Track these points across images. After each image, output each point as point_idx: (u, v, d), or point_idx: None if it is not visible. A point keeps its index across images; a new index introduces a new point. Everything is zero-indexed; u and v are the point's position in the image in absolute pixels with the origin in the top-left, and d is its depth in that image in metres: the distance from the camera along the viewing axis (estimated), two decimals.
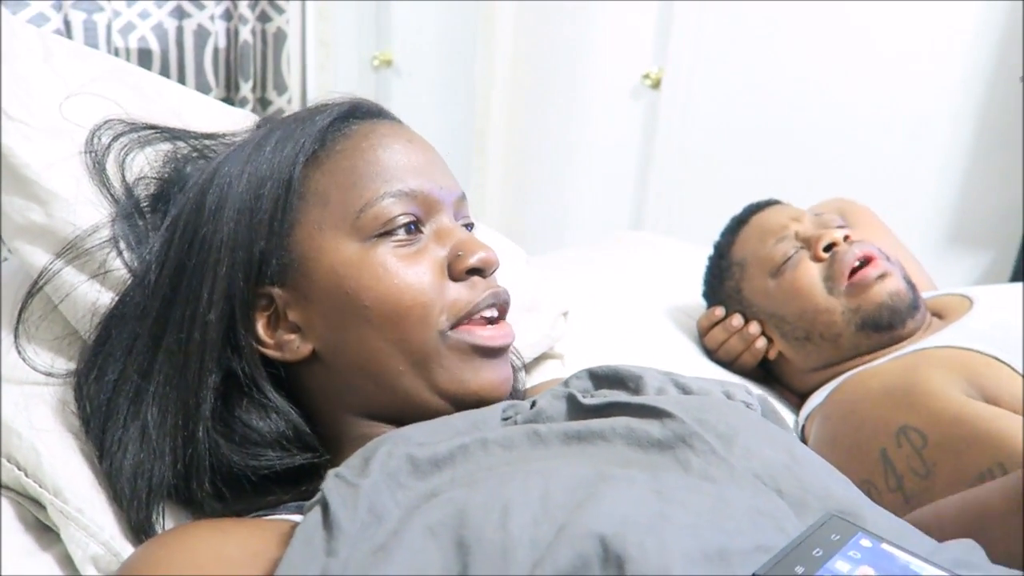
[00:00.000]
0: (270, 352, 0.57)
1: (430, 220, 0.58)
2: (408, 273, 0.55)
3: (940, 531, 0.50)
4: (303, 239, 0.56)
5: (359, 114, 0.61)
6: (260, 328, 0.57)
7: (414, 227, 0.57)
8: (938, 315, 0.99)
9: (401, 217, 0.56)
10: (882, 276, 0.92)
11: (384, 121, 0.61)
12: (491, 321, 0.58)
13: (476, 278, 0.58)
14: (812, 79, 1.91)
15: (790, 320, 0.98)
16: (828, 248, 0.96)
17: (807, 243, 0.98)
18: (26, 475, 0.60)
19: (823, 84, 1.90)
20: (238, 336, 0.55)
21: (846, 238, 0.96)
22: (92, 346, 0.59)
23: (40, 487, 0.59)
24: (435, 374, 0.55)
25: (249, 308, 0.56)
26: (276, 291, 0.56)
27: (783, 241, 0.99)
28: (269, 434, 0.56)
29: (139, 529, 0.55)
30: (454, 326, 0.56)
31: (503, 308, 0.59)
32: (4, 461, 0.61)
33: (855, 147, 1.88)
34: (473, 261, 0.57)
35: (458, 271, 0.57)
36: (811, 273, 0.95)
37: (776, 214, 1.04)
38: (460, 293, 0.56)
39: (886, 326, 0.92)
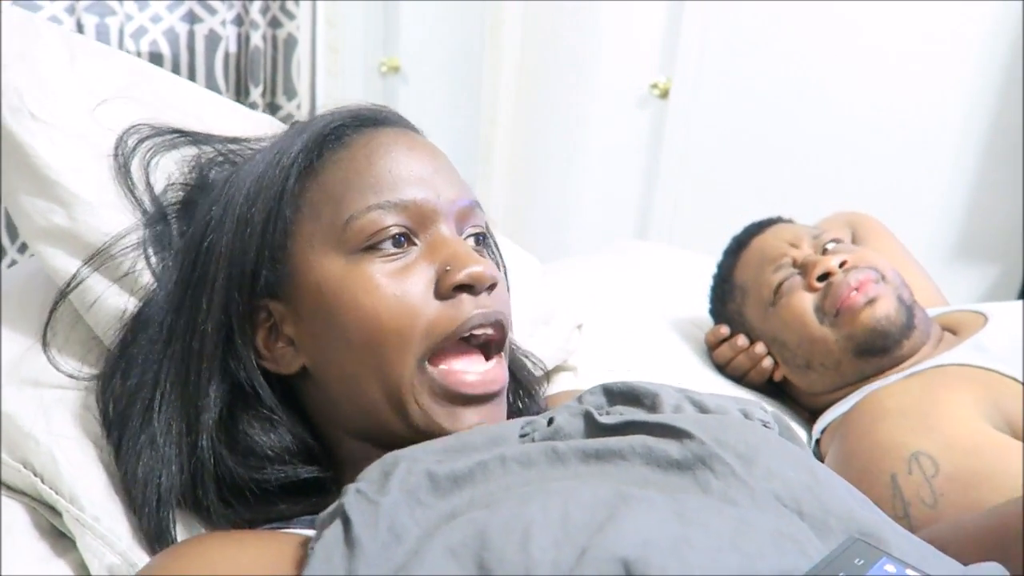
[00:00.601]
0: (267, 364, 0.57)
1: (424, 232, 0.55)
2: (390, 291, 0.51)
3: (959, 547, 0.50)
4: (296, 253, 0.55)
5: (360, 122, 0.58)
6: (259, 340, 0.57)
7: (404, 239, 0.53)
8: (951, 331, 0.99)
9: (390, 229, 0.53)
10: (871, 301, 0.91)
11: (387, 128, 0.58)
12: (483, 347, 0.55)
13: (464, 295, 0.53)
14: (820, 91, 1.91)
15: (790, 348, 0.98)
16: (823, 278, 0.95)
17: (803, 269, 0.97)
18: (42, 481, 0.60)
19: (831, 96, 1.90)
20: (237, 347, 0.56)
21: (843, 264, 0.94)
22: (115, 351, 0.59)
23: (56, 494, 0.59)
24: (409, 411, 0.52)
25: (249, 320, 0.56)
26: (273, 304, 0.56)
27: (780, 270, 0.98)
28: (271, 447, 0.56)
29: (152, 536, 0.56)
30: (434, 354, 0.52)
31: (498, 329, 0.55)
32: (20, 467, 0.61)
33: (862, 159, 1.88)
34: (461, 276, 0.52)
35: (444, 287, 0.52)
36: (804, 303, 0.95)
37: (774, 238, 1.03)
38: (442, 312, 0.52)
39: (880, 350, 0.91)
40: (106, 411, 0.59)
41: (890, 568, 0.38)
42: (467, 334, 0.53)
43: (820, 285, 0.94)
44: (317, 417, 0.58)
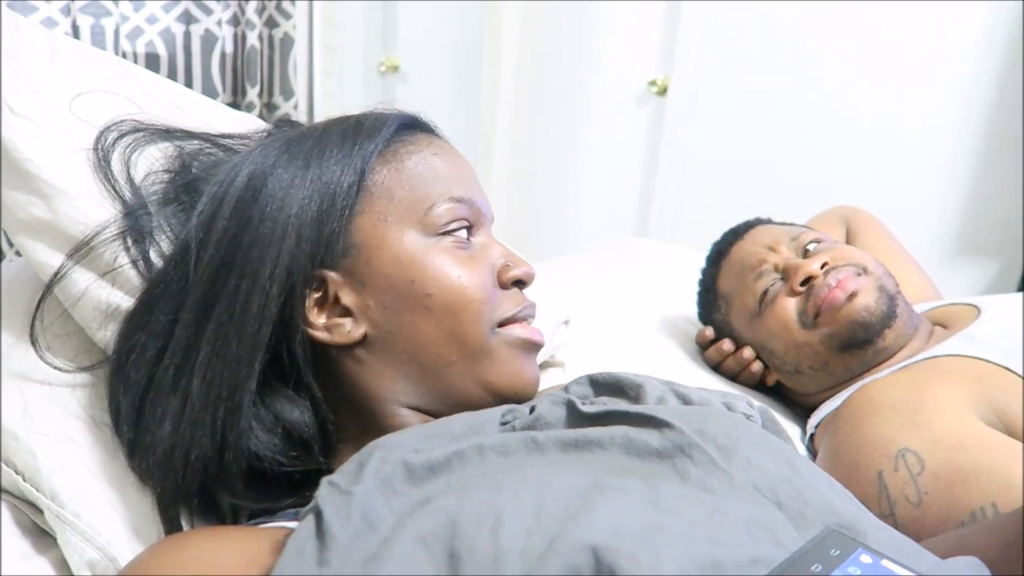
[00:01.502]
0: (318, 334, 0.57)
1: (478, 231, 0.62)
2: (469, 271, 0.58)
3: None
4: (365, 227, 0.58)
5: (418, 125, 0.65)
6: (310, 310, 0.57)
7: (467, 232, 0.61)
8: (943, 325, 0.98)
9: (462, 221, 0.60)
10: (851, 296, 0.90)
11: (436, 137, 0.65)
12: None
13: (517, 289, 0.62)
14: (819, 87, 1.90)
15: (778, 355, 0.97)
16: (805, 282, 0.93)
17: (785, 274, 0.96)
18: (23, 479, 0.60)
19: (830, 92, 1.89)
20: (291, 315, 0.56)
21: (824, 265, 0.93)
22: (129, 327, 0.59)
23: (37, 491, 0.59)
24: (484, 366, 0.58)
25: (303, 289, 0.56)
26: (330, 274, 0.57)
27: (761, 277, 0.97)
28: (295, 427, 0.56)
29: (166, 502, 0.55)
30: (500, 326, 0.60)
31: (530, 321, 0.64)
32: (2, 465, 0.61)
33: (861, 155, 1.87)
34: (518, 273, 0.62)
35: (506, 280, 0.61)
36: (787, 309, 0.94)
37: (752, 244, 1.02)
38: (506, 300, 0.61)
39: (862, 342, 0.90)
40: (119, 387, 0.58)
41: (866, 559, 0.38)
42: (522, 319, 0.62)
43: (802, 289, 0.93)
44: (355, 390, 0.58)
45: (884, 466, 0.75)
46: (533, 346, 0.61)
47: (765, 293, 0.96)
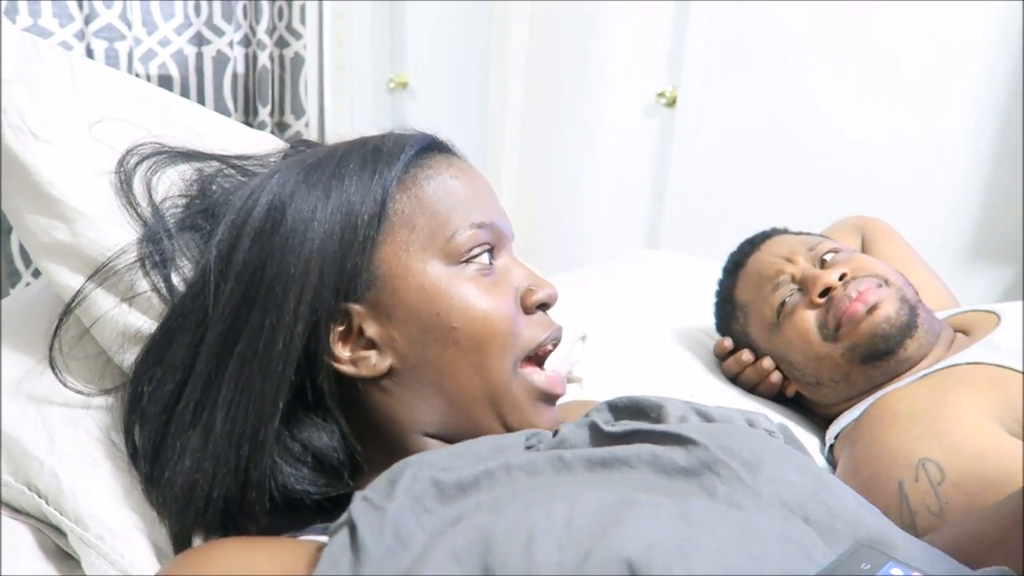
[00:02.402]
0: (344, 367, 0.56)
1: (500, 253, 0.61)
2: (494, 300, 0.57)
3: (962, 549, 0.49)
4: (388, 258, 0.57)
5: (436, 146, 0.63)
6: (334, 343, 0.57)
7: (489, 256, 0.60)
8: (963, 332, 0.97)
9: (484, 246, 0.59)
10: (872, 308, 0.89)
11: (453, 156, 0.64)
12: (539, 358, 0.61)
13: (541, 313, 0.62)
14: (828, 95, 1.90)
15: (798, 367, 0.96)
16: (824, 293, 0.93)
17: (804, 285, 0.95)
18: (47, 503, 0.60)
19: (839, 100, 1.89)
20: (315, 349, 0.55)
21: (842, 277, 0.93)
22: (148, 357, 0.58)
23: (61, 515, 0.59)
24: (504, 408, 0.58)
25: (327, 323, 0.56)
26: (355, 307, 0.57)
27: (779, 288, 0.97)
28: (325, 456, 0.56)
29: (180, 537, 0.55)
30: (523, 361, 0.59)
31: (557, 345, 0.63)
32: (25, 489, 0.61)
33: (873, 162, 1.87)
34: (542, 296, 0.61)
35: (530, 304, 0.60)
36: (807, 322, 0.93)
37: (769, 255, 1.01)
38: (531, 327, 0.60)
39: (884, 353, 0.89)
40: (136, 419, 0.58)
41: (896, 572, 0.37)
42: (549, 347, 0.61)
43: (822, 301, 0.93)
44: (381, 420, 0.58)
45: (904, 476, 0.74)
46: (551, 397, 0.61)
47: (783, 305, 0.96)
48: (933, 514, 0.71)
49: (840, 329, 0.90)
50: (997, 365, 0.82)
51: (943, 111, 1.77)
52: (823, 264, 0.97)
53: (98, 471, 0.60)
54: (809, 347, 0.93)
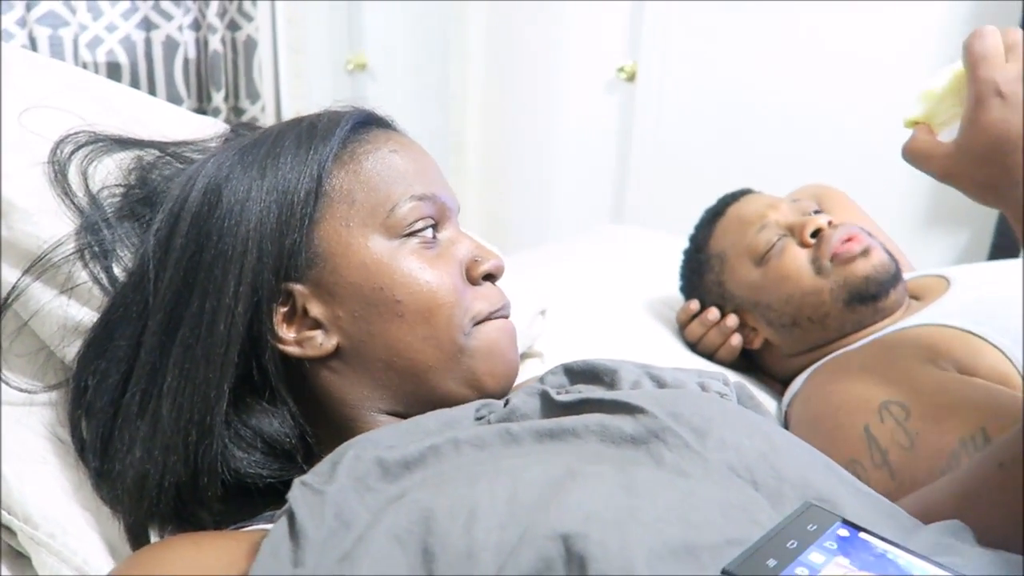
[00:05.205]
0: (289, 348, 0.56)
1: (444, 226, 0.61)
2: (438, 272, 0.57)
3: (928, 520, 0.50)
4: (328, 235, 0.56)
5: (374, 121, 0.63)
6: (279, 324, 0.56)
7: (433, 230, 0.59)
8: (916, 297, 0.99)
9: (427, 219, 0.58)
10: (866, 251, 0.93)
11: (393, 131, 0.63)
12: None
13: (489, 284, 0.61)
14: (785, 66, 1.91)
15: (776, 307, 0.98)
16: (815, 234, 0.96)
17: (791, 230, 0.98)
18: None
19: (796, 71, 1.90)
20: (259, 332, 0.55)
21: (829, 223, 0.97)
22: (90, 350, 0.57)
23: (9, 514, 0.58)
24: (464, 363, 0.57)
25: (269, 304, 0.55)
26: (297, 287, 0.56)
27: (764, 229, 0.99)
28: (276, 440, 0.55)
29: (134, 529, 0.55)
30: (475, 325, 0.59)
31: (506, 317, 0.63)
32: None
33: (830, 131, 1.88)
34: (488, 267, 0.60)
35: (475, 276, 0.60)
36: (799, 258, 0.96)
37: (752, 203, 1.04)
38: (479, 300, 0.59)
39: (871, 297, 0.92)
40: (80, 414, 0.57)
41: (843, 532, 0.38)
42: (498, 317, 0.60)
43: (813, 241, 0.96)
44: (330, 400, 0.57)
45: (870, 420, 0.76)
46: (508, 335, 0.61)
47: (772, 246, 0.97)
48: (904, 448, 0.72)
49: (834, 260, 0.93)
50: (940, 325, 0.84)
51: (900, 80, 1.78)
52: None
53: (46, 468, 0.59)
54: (797, 283, 0.95)
